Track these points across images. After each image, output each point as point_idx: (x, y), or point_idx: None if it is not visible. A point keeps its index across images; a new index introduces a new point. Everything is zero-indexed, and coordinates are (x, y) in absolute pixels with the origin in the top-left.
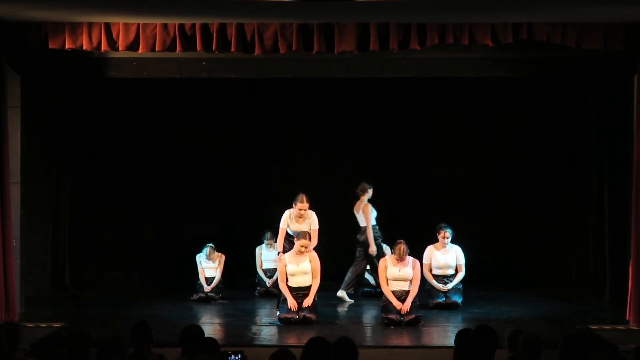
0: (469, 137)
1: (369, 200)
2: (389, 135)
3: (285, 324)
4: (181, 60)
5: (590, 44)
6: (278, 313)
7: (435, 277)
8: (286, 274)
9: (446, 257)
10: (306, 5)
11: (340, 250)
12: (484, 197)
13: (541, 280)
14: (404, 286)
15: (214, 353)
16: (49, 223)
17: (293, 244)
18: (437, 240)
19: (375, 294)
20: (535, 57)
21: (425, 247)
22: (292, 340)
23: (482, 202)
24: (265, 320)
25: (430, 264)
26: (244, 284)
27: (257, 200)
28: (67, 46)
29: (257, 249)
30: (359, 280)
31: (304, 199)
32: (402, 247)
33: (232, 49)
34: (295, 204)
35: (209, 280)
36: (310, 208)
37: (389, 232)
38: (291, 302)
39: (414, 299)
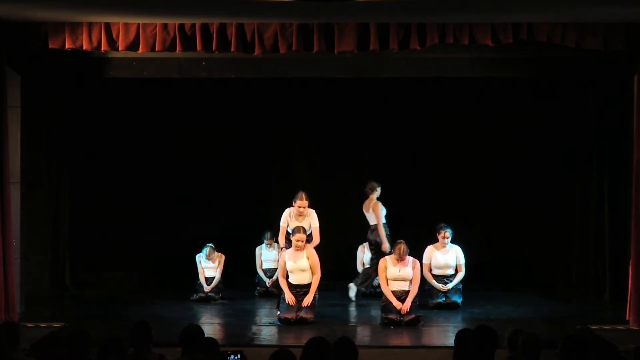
0: (469, 137)
1: (378, 199)
2: (389, 135)
3: (285, 324)
4: (181, 60)
5: (590, 44)
6: (278, 313)
7: (435, 277)
8: (286, 269)
9: (446, 257)
10: (306, 5)
11: (340, 250)
12: (484, 197)
13: (541, 280)
14: (404, 286)
15: (213, 353)
16: (49, 223)
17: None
18: (437, 240)
19: (375, 294)
20: (535, 57)
21: (425, 247)
22: (292, 340)
23: (482, 202)
24: (265, 320)
25: (430, 263)
26: (244, 284)
27: (257, 200)
28: (67, 46)
29: (257, 249)
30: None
31: (304, 196)
32: (402, 247)
33: (232, 49)
34: (295, 202)
35: (209, 280)
36: (310, 207)
37: (389, 232)
38: (289, 297)
39: (414, 299)
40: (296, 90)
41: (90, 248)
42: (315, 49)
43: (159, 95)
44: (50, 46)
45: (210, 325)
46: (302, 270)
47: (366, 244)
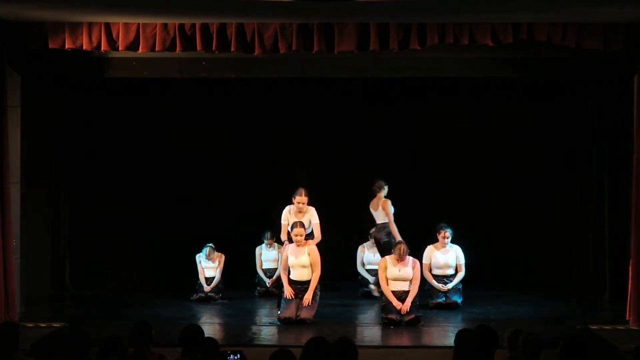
0: (469, 137)
1: (386, 197)
2: (389, 135)
3: (285, 324)
4: (181, 60)
5: (590, 44)
6: (278, 313)
7: (435, 277)
8: (287, 264)
9: (446, 257)
10: (306, 5)
11: (340, 250)
12: (484, 197)
13: (541, 280)
14: (404, 286)
15: (213, 353)
16: (49, 223)
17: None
18: (437, 240)
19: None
20: (535, 57)
21: (425, 247)
22: (292, 340)
23: (482, 202)
24: (265, 320)
25: (430, 263)
26: (244, 284)
27: (257, 200)
28: (67, 46)
29: (257, 249)
30: None
31: (303, 192)
32: (402, 247)
33: (232, 49)
34: (294, 198)
35: (208, 280)
36: (309, 205)
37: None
38: (288, 290)
39: (414, 299)
40: (296, 90)
41: (90, 248)
42: (315, 49)
43: (159, 95)
44: (50, 46)
45: (210, 325)
46: (303, 267)
47: (366, 244)
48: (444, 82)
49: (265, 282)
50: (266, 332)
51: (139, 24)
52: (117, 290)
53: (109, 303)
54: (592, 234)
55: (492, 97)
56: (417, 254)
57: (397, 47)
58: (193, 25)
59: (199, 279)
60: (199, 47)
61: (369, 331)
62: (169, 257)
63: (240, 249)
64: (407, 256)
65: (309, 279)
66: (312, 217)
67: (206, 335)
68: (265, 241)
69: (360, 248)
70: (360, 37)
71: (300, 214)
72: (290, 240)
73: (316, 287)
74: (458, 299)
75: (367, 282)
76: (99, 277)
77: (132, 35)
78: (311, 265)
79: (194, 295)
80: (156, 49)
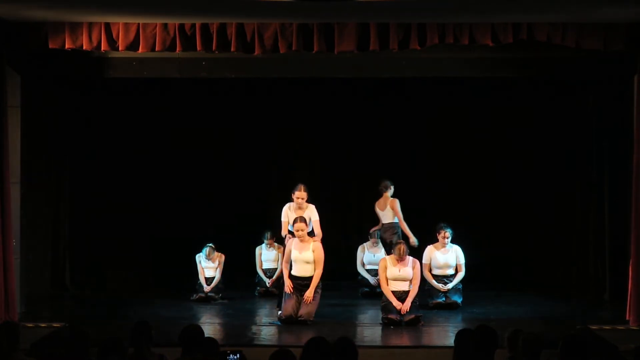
0: (469, 137)
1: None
2: (389, 135)
3: (286, 324)
4: (181, 60)
5: (590, 44)
6: (279, 312)
7: (435, 277)
8: (290, 258)
9: (446, 257)
10: (306, 5)
11: (339, 250)
12: (484, 197)
13: (541, 280)
14: (404, 286)
15: (213, 353)
16: (49, 223)
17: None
18: (437, 240)
19: (375, 294)
20: (535, 57)
21: (425, 247)
22: (292, 340)
23: (482, 202)
24: (265, 320)
25: (430, 263)
26: (244, 284)
27: (257, 200)
28: (67, 46)
29: (257, 249)
30: None
31: (302, 188)
32: (402, 247)
33: (232, 49)
34: (294, 193)
35: (208, 280)
36: (309, 202)
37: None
38: (287, 283)
39: (414, 299)
40: (296, 90)
41: (90, 248)
42: (315, 49)
43: (159, 95)
44: (50, 46)
45: (210, 325)
46: (306, 263)
47: (366, 244)
48: (444, 82)
49: (265, 282)
50: (266, 332)
51: (139, 24)
52: (117, 290)
53: (109, 303)
54: (592, 234)
55: (492, 97)
56: (417, 254)
57: (397, 47)
58: (193, 25)
59: (199, 279)
60: (199, 47)
61: (369, 331)
62: (169, 257)
63: (240, 249)
64: (407, 256)
65: (310, 275)
66: (312, 214)
67: (206, 335)
68: (265, 241)
69: (360, 248)
70: (360, 37)
71: (300, 211)
72: (293, 236)
73: (317, 286)
74: (458, 299)
75: (367, 282)
76: (99, 277)
77: (132, 35)
78: (315, 262)
79: (194, 295)
80: (156, 49)
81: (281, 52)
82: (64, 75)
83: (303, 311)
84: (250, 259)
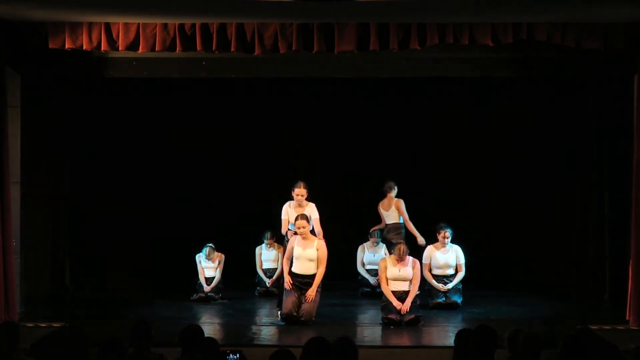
0: (469, 137)
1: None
2: (389, 135)
3: (287, 323)
4: (181, 60)
5: (590, 44)
6: (279, 312)
7: (435, 277)
8: (292, 254)
9: (446, 257)
10: (306, 5)
11: (339, 250)
12: (484, 197)
13: (541, 280)
14: (404, 286)
15: (213, 353)
16: (49, 223)
17: None
18: (437, 240)
19: (375, 294)
20: (535, 57)
21: (425, 247)
22: (292, 340)
23: (482, 202)
24: (265, 320)
25: (430, 263)
26: (244, 284)
27: (257, 200)
28: (67, 46)
29: (257, 249)
30: None
31: (302, 185)
32: (402, 247)
33: (232, 49)
34: (294, 190)
35: (208, 280)
36: (310, 201)
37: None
38: (287, 280)
39: (414, 298)
40: (296, 90)
41: (90, 248)
42: (315, 49)
43: (159, 95)
44: (50, 46)
45: (210, 325)
46: (309, 260)
47: (366, 244)
48: (444, 82)
49: (265, 282)
50: (266, 332)
51: (139, 24)
52: (117, 290)
53: (109, 303)
54: (592, 234)
55: (492, 97)
56: (417, 254)
57: (397, 47)
58: (193, 25)
59: (199, 279)
60: (199, 47)
61: (369, 331)
62: (169, 257)
63: (240, 249)
64: (407, 256)
65: (312, 273)
66: (312, 212)
67: (206, 335)
68: (265, 241)
69: (360, 248)
70: (360, 37)
71: (300, 208)
72: (295, 234)
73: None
74: (458, 299)
75: (367, 282)
76: (99, 277)
77: (132, 35)
78: (318, 260)
79: (194, 295)
80: (156, 49)
81: (281, 52)
82: (64, 75)
83: (303, 310)
84: (250, 259)
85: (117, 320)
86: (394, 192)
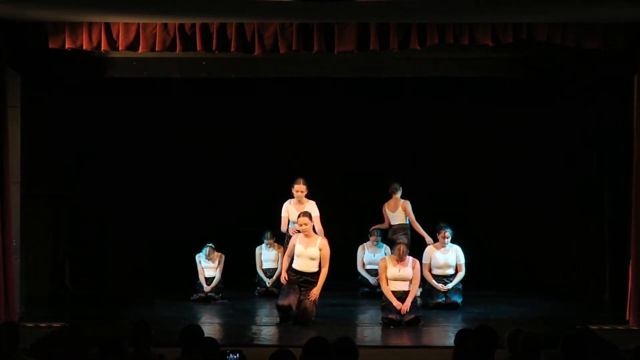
0: (469, 137)
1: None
2: (389, 135)
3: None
4: (181, 60)
5: (590, 44)
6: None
7: (435, 277)
8: (293, 252)
9: (446, 256)
10: (306, 5)
11: (339, 250)
12: (484, 197)
13: (541, 280)
14: (404, 286)
15: (213, 353)
16: (49, 223)
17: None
18: (437, 240)
19: (375, 294)
20: (535, 57)
21: (425, 247)
22: (292, 340)
23: (482, 202)
24: (265, 320)
25: (430, 263)
26: (244, 284)
27: (257, 200)
28: (67, 46)
29: (257, 249)
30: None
31: (301, 181)
32: (402, 247)
33: (232, 49)
34: (293, 187)
35: (208, 280)
36: (308, 197)
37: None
38: (283, 276)
39: (414, 298)
40: (296, 90)
41: (90, 248)
42: (315, 49)
43: (159, 95)
44: (50, 46)
45: (210, 325)
46: (311, 259)
47: (366, 244)
48: (444, 82)
49: (265, 282)
50: (266, 332)
51: (139, 24)
52: (117, 290)
53: (109, 303)
54: (592, 234)
55: (492, 97)
56: (417, 254)
57: (397, 47)
58: (193, 25)
59: (199, 279)
60: (199, 47)
61: (369, 331)
62: (169, 257)
63: (240, 249)
64: (407, 256)
65: (312, 271)
66: (312, 210)
67: (206, 335)
68: (265, 241)
69: (360, 248)
70: (360, 37)
71: (301, 205)
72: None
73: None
74: (458, 299)
75: (367, 282)
76: (99, 277)
77: (132, 35)
78: (321, 259)
79: (194, 295)
80: (156, 49)
81: (281, 52)
82: (64, 75)
83: (303, 310)
84: (250, 259)
85: (117, 320)
86: (399, 193)
